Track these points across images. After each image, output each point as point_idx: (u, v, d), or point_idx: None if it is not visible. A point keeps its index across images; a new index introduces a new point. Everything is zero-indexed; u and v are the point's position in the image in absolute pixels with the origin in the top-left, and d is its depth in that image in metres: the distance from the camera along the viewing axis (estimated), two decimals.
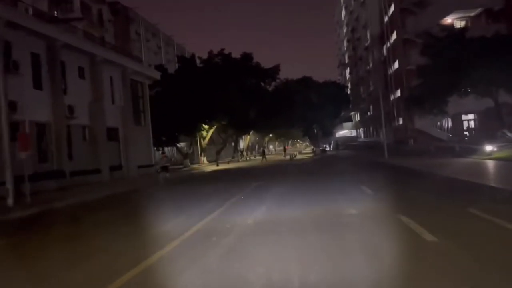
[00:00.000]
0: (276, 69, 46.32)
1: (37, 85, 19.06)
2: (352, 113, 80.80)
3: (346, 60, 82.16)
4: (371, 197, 10.43)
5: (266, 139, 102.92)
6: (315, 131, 54.56)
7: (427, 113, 25.14)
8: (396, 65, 44.24)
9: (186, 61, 43.53)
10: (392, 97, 47.56)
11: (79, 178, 20.60)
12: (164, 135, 39.89)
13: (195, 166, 41.26)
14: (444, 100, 22.54)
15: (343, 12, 79.89)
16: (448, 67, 20.09)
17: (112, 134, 25.64)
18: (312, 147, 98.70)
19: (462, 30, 21.58)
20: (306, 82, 51.55)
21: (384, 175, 17.64)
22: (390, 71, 46.77)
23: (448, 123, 41.98)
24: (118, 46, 35.10)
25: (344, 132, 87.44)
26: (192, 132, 42.45)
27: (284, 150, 60.24)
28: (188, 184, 20.11)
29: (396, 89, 45.34)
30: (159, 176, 19.95)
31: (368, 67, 56.40)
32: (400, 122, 46.03)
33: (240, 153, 52.63)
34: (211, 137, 56.94)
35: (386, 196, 10.16)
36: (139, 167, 27.73)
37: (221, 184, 18.07)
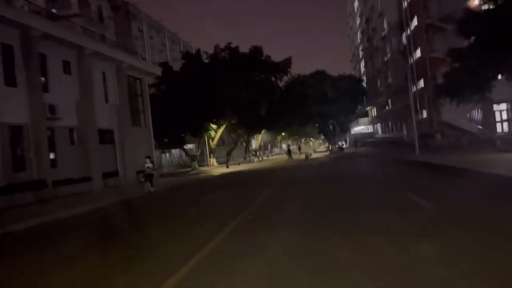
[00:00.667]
0: (287, 62, 43.11)
1: (10, 81, 16.30)
2: (368, 108, 77.12)
3: (360, 53, 78.44)
4: (433, 214, 7.28)
5: (279, 138, 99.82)
6: (331, 127, 51.10)
7: (465, 101, 21.68)
8: (418, 53, 40.67)
9: (191, 57, 40.62)
10: (414, 89, 43.93)
11: (64, 188, 17.84)
12: (169, 137, 37.10)
13: (204, 168, 38.40)
14: (488, 84, 19.09)
15: (356, 3, 76.26)
16: (494, 44, 16.74)
17: (105, 136, 22.87)
18: (327, 144, 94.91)
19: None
20: (319, 76, 48.18)
21: (426, 176, 14.43)
22: (411, 61, 43.18)
23: (478, 114, 38.30)
24: (113, 40, 32.36)
25: (360, 128, 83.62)
26: (199, 132, 39.59)
27: (299, 148, 57.33)
28: (184, 194, 17.19)
29: (419, 79, 41.76)
30: (144, 187, 16.58)
31: (385, 58, 52.77)
32: (424, 115, 42.40)
33: (254, 153, 49.48)
34: (220, 137, 54.23)
35: (452, 210, 7.05)
36: (138, 172, 24.88)
37: (224, 193, 15.10)
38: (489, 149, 23.61)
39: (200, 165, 42.44)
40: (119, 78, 24.23)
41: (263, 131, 69.64)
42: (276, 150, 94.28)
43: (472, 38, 18.97)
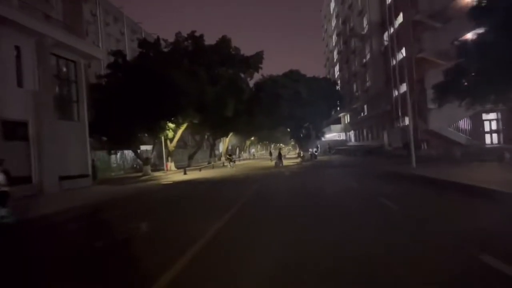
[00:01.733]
0: (259, 58, 38.48)
1: None
2: (341, 114, 73.64)
3: (335, 57, 74.96)
4: None
5: (248, 142, 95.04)
6: (302, 132, 46.67)
7: (479, 102, 17.63)
8: (403, 53, 36.98)
9: (148, 46, 35.21)
10: (395, 93, 40.29)
11: None
12: (118, 136, 31.45)
13: (158, 174, 32.99)
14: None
15: (332, 4, 72.84)
16: None
17: (15, 130, 17.31)
18: (297, 150, 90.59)
19: None
20: (293, 75, 43.72)
21: (459, 204, 9.92)
22: (394, 62, 39.50)
23: (466, 123, 34.88)
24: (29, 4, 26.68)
25: (331, 135, 79.97)
26: (154, 132, 34.20)
27: (270, 154, 53.22)
28: (71, 228, 10.33)
29: (402, 82, 38.07)
30: None
31: (364, 60, 49.09)
32: (406, 122, 38.72)
33: (228, 156, 44.49)
34: (182, 139, 48.95)
35: None
36: (64, 178, 19.39)
37: (157, 219, 10.10)
38: (496, 163, 19.73)
39: (155, 170, 36.99)
40: (41, 57, 18.70)
41: (230, 134, 64.79)
42: (245, 155, 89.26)
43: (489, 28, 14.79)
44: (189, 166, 45.18)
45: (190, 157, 46.85)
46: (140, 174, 33.31)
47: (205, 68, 34.60)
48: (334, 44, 76.20)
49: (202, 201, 14.27)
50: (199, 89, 32.01)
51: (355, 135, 67.67)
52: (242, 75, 39.55)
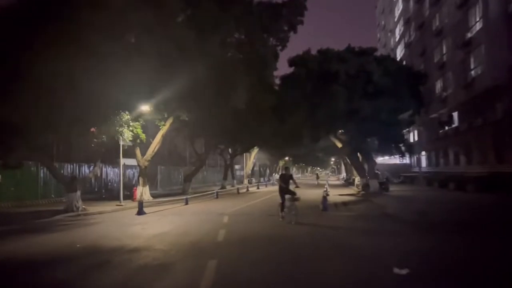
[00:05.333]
0: (299, 5, 21.63)
1: None
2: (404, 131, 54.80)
3: (400, 53, 56.82)
4: None
5: (281, 163, 77.44)
6: (366, 142, 28.13)
7: None
8: None
9: None
10: None
11: None
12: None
13: (100, 208, 16.64)
14: None
15: None
16: None
17: None
18: (343, 175, 70.18)
19: None
20: (355, 54, 26.21)
21: None
22: None
23: None
24: None
25: (381, 159, 60.38)
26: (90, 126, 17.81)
27: (317, 177, 52.62)
28: None
29: None
30: None
31: (469, 35, 30.87)
32: None
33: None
34: (174, 151, 33.41)
35: None
36: None
37: None
38: None
39: (115, 199, 20.68)
40: None
41: (255, 150, 47.89)
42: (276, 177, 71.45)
43: None
44: (184, 191, 28.83)
45: (187, 179, 30.26)
46: (60, 207, 17.00)
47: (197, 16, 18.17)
48: (398, 38, 58.42)
49: None
50: (190, 58, 15.66)
51: (428, 158, 49.00)
52: (268, 38, 22.67)
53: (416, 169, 52.84)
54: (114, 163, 30.81)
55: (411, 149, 28.82)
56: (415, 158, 55.21)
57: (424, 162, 50.83)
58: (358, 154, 28.76)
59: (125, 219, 14.91)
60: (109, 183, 29.86)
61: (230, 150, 41.51)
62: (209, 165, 56.28)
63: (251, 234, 10.67)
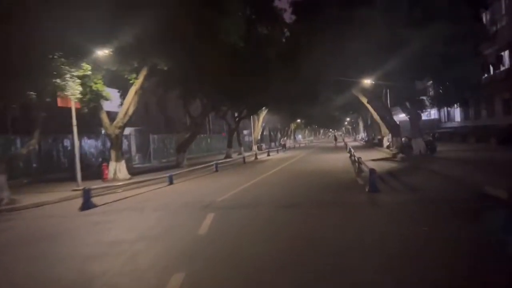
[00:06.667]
0: None
1: None
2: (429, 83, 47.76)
3: None
4: None
5: (293, 126, 71.43)
6: (414, 89, 21.31)
7: None
8: None
9: None
10: None
11: None
12: None
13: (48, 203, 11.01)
14: None
15: None
16: None
17: None
18: (362, 135, 62.95)
19: None
20: None
21: None
22: None
23: None
24: None
25: (402, 115, 53.38)
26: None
27: (335, 138, 47.78)
28: None
29: None
30: None
31: None
32: None
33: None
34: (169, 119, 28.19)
35: None
36: None
37: None
38: None
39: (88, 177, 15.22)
40: None
41: (263, 111, 41.89)
42: (290, 142, 65.16)
43: None
44: (178, 164, 23.36)
45: (180, 149, 24.51)
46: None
47: None
48: None
49: None
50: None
51: (463, 110, 42.37)
52: None
53: (448, 125, 46.54)
54: (93, 132, 25.31)
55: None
56: (445, 111, 48.71)
57: (457, 116, 44.36)
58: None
59: (46, 221, 9.26)
60: (90, 158, 24.41)
61: (235, 113, 35.50)
62: (214, 131, 50.37)
63: None
